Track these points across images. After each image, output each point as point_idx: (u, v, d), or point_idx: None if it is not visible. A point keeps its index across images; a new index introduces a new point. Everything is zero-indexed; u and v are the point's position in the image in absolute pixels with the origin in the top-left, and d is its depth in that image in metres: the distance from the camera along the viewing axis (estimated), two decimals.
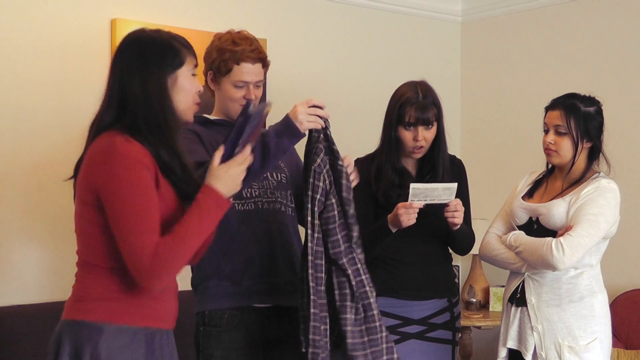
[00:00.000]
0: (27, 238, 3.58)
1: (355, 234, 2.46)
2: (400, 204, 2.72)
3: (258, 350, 2.63)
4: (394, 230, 2.78)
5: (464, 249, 3.02)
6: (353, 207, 2.46)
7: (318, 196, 2.41)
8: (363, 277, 2.46)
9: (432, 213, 2.79)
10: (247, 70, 2.62)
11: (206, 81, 2.71)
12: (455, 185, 2.75)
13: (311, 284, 2.40)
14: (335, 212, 2.43)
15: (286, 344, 2.63)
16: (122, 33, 3.70)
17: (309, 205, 2.42)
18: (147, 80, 2.07)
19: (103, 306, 2.04)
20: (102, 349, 2.00)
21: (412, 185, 2.68)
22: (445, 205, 2.77)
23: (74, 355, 2.02)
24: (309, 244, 2.41)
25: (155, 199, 2.02)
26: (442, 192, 2.73)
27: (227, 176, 2.11)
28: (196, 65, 2.17)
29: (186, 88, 2.12)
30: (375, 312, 2.45)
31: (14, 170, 3.53)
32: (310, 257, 2.41)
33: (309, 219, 2.42)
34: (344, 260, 2.42)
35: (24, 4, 3.54)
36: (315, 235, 2.42)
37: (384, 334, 2.46)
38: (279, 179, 2.72)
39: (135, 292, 2.06)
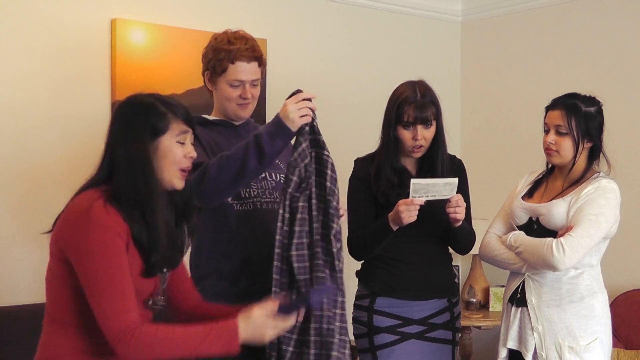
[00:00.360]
0: (26, 238, 3.57)
1: (335, 226, 2.41)
2: (401, 201, 2.71)
3: (256, 347, 2.62)
4: (394, 228, 2.77)
5: (464, 248, 3.01)
6: (337, 200, 2.44)
7: (290, 189, 2.39)
8: (313, 275, 2.38)
9: (433, 212, 2.79)
10: (242, 69, 2.61)
11: (204, 81, 2.71)
12: (456, 180, 2.75)
13: (275, 276, 2.38)
14: (300, 204, 2.39)
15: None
16: (122, 33, 3.72)
17: (282, 198, 2.41)
18: (130, 147, 2.02)
19: None
20: None
21: (412, 180, 2.67)
22: (447, 201, 2.77)
23: None
24: (277, 237, 2.39)
25: (126, 266, 1.97)
26: (443, 187, 2.73)
27: (260, 327, 2.05)
28: (186, 132, 2.09)
29: (169, 156, 2.05)
30: (312, 324, 2.35)
31: (13, 171, 3.53)
32: (277, 250, 2.39)
33: (281, 211, 2.40)
34: (293, 252, 2.37)
35: (24, 4, 3.54)
36: (284, 228, 2.40)
37: (322, 338, 2.36)
38: (278, 179, 2.72)
39: (102, 354, 2.01)
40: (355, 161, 3.01)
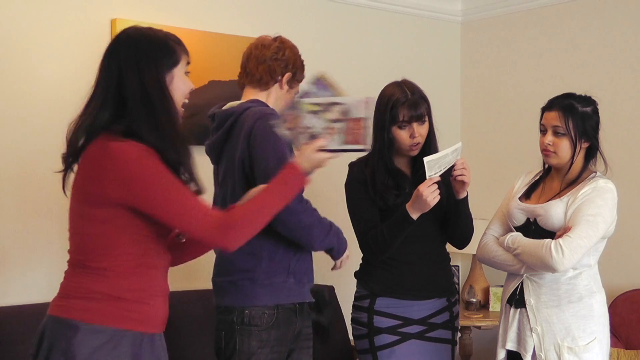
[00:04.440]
0: (27, 238, 3.58)
1: None
2: (419, 187, 2.71)
3: (287, 342, 2.72)
4: (415, 216, 2.78)
5: (464, 233, 2.99)
6: None
7: None
8: None
9: (431, 211, 2.78)
10: None
11: (280, 77, 2.76)
12: (460, 144, 2.78)
13: None
14: None
15: (304, 335, 2.78)
16: None
17: None
18: (145, 78, 2.05)
19: (82, 305, 2.05)
20: (76, 348, 2.01)
21: (425, 159, 2.67)
22: (450, 177, 2.79)
23: (48, 351, 2.04)
24: None
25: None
26: (452, 155, 2.75)
27: (315, 162, 2.25)
28: (188, 63, 2.18)
29: (180, 87, 2.13)
30: None
31: (13, 170, 3.53)
32: None
33: None
34: None
35: (24, 5, 3.54)
36: None
37: None
38: None
39: (116, 296, 2.05)
40: (349, 165, 3.00)
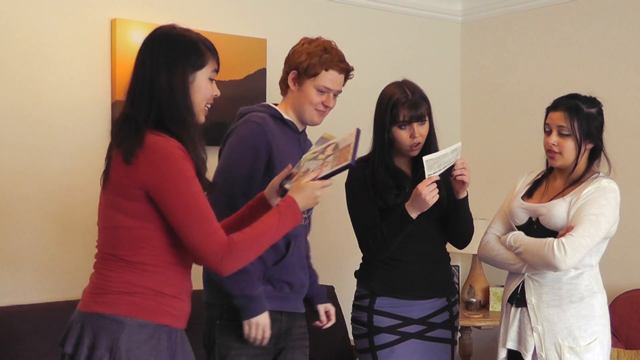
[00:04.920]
0: (28, 238, 3.57)
1: None
2: (418, 186, 2.72)
3: (270, 341, 2.68)
4: (414, 215, 2.79)
5: (465, 233, 3.00)
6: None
7: None
8: None
9: (431, 211, 2.78)
10: (333, 78, 2.75)
11: (286, 79, 2.80)
12: (459, 144, 2.79)
13: None
14: None
15: (297, 335, 2.75)
16: (122, 33, 3.72)
17: None
18: (172, 75, 2.12)
19: (127, 300, 2.08)
20: (122, 343, 2.03)
21: (424, 158, 2.68)
22: (450, 176, 2.79)
23: (91, 347, 2.05)
24: None
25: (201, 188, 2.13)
26: (452, 155, 2.75)
27: (309, 193, 2.23)
28: (216, 70, 2.22)
29: (202, 90, 2.18)
30: None
31: (14, 171, 3.53)
32: None
33: None
34: None
35: (24, 5, 3.54)
36: None
37: None
38: None
39: (158, 290, 2.10)
40: None
